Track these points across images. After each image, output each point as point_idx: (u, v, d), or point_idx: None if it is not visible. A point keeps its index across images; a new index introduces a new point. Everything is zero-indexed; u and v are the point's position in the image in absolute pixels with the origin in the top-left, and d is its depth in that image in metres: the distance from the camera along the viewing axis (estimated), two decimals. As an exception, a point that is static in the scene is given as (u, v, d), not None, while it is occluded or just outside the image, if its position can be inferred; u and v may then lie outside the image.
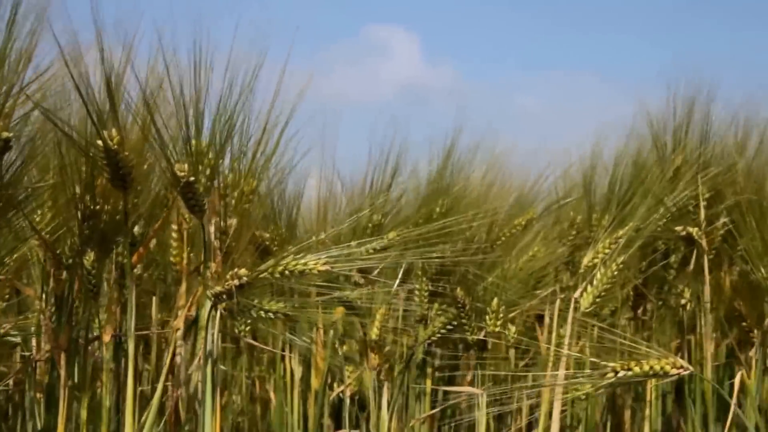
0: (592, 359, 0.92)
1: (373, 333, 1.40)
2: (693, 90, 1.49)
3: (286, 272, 0.99)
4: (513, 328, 1.42)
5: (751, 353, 1.46)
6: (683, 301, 1.54)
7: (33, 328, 1.39)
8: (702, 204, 1.45)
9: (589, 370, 0.93)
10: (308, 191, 1.49)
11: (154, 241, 1.27)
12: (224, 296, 1.01)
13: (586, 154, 1.58)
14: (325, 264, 0.98)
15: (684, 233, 1.46)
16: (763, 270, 1.39)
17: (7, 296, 1.40)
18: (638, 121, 1.56)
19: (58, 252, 1.21)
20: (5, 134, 1.03)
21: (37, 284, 1.29)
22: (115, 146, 1.06)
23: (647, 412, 1.54)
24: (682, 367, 0.95)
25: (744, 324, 1.49)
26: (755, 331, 1.47)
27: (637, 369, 0.93)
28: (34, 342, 1.41)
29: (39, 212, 1.20)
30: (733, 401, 1.25)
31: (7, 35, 1.02)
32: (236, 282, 1.00)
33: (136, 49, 1.09)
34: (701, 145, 1.51)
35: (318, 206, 1.49)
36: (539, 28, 7.08)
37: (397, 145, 1.46)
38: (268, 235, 1.42)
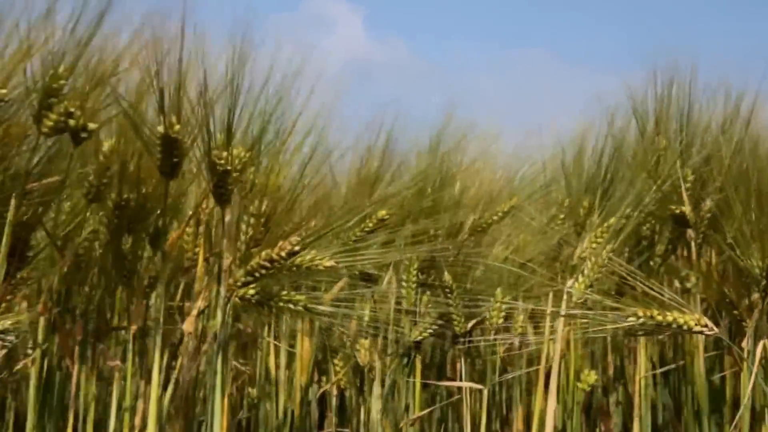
0: (614, 304, 0.88)
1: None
2: (672, 68, 1.46)
3: (294, 268, 1.00)
4: (520, 318, 1.38)
5: (744, 344, 1.41)
6: (689, 285, 1.49)
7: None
8: (684, 186, 1.42)
9: (610, 312, 0.89)
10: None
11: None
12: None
13: (565, 136, 1.55)
14: (330, 260, 1.00)
15: (678, 212, 1.43)
16: (752, 258, 1.35)
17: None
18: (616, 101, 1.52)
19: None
20: (92, 125, 1.07)
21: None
22: (175, 134, 1.06)
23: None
24: (706, 326, 0.91)
25: (735, 312, 1.45)
26: (747, 321, 1.43)
27: (659, 317, 0.89)
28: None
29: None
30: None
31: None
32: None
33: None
34: (683, 128, 1.47)
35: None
36: (486, 5, 7.13)
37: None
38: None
